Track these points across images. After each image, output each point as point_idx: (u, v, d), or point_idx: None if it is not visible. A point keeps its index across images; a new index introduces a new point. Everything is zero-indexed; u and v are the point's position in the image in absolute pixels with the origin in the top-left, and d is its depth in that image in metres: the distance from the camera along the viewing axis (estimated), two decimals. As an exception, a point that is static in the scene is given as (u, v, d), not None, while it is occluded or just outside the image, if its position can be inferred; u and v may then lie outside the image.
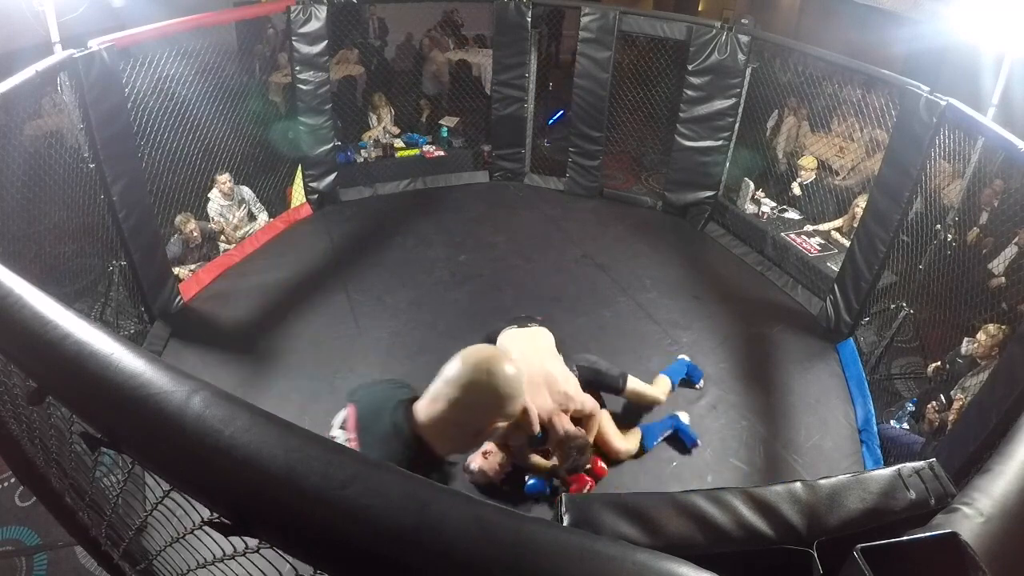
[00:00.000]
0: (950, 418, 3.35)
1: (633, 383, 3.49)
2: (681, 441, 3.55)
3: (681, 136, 5.62)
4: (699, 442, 3.54)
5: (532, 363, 3.06)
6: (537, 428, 2.92)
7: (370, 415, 1.46)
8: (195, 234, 4.69)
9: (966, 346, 3.68)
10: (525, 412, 2.84)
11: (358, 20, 7.21)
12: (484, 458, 3.13)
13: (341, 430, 1.48)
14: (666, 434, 3.54)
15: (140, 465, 0.78)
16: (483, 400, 1.35)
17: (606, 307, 4.70)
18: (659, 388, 3.67)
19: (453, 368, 1.38)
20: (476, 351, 1.41)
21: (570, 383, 3.12)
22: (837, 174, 5.88)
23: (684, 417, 3.65)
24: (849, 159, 5.91)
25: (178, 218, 4.63)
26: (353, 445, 1.39)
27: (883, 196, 4.11)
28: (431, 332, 4.33)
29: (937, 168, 4.04)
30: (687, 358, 4.06)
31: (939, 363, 3.85)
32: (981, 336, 3.49)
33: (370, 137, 6.37)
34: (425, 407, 1.39)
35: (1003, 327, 3.49)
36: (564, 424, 3.01)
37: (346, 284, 4.79)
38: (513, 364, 1.38)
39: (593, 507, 0.85)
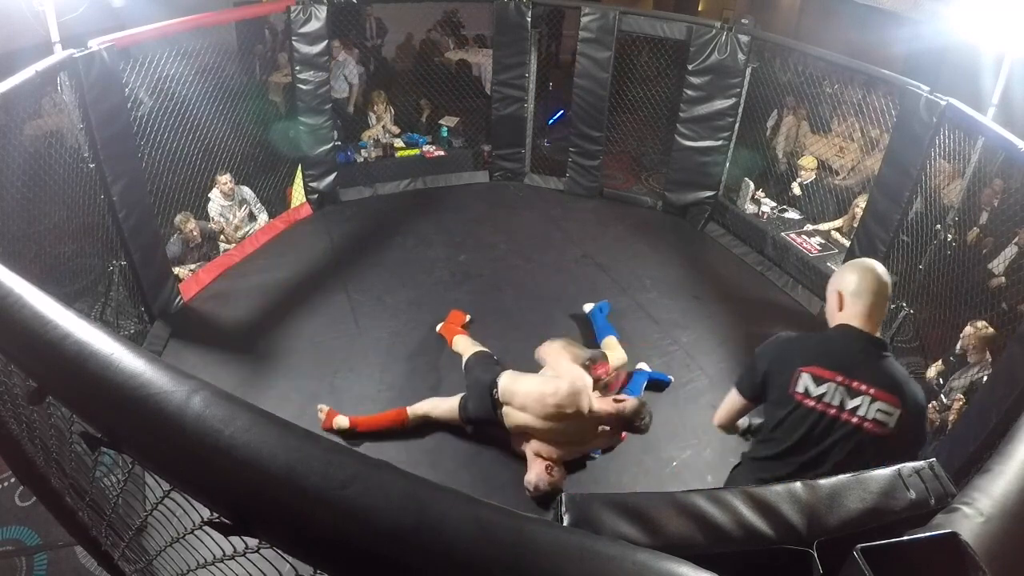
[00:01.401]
0: (950, 418, 3.35)
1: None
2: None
3: (681, 136, 5.62)
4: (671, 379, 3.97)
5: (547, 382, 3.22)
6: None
7: (882, 364, 1.87)
8: (195, 233, 4.68)
9: (960, 343, 3.68)
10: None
11: (355, 20, 7.20)
12: (549, 474, 3.10)
13: (824, 384, 1.86)
14: (643, 385, 3.80)
15: (140, 465, 0.78)
16: (888, 290, 1.92)
17: (606, 307, 4.69)
18: (616, 352, 3.81)
19: (867, 282, 1.88)
20: (864, 265, 1.94)
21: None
22: (837, 174, 5.88)
23: (645, 366, 3.95)
24: (849, 159, 5.92)
25: (178, 217, 4.62)
26: (884, 396, 1.82)
27: (883, 196, 4.11)
28: (431, 332, 4.32)
29: (937, 168, 4.04)
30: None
31: (942, 366, 3.85)
32: (968, 330, 3.49)
33: (369, 136, 6.37)
34: (873, 324, 1.90)
35: (988, 326, 3.50)
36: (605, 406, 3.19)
37: (346, 284, 4.79)
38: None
39: (593, 507, 0.85)
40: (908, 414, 1.81)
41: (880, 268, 1.90)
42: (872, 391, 1.81)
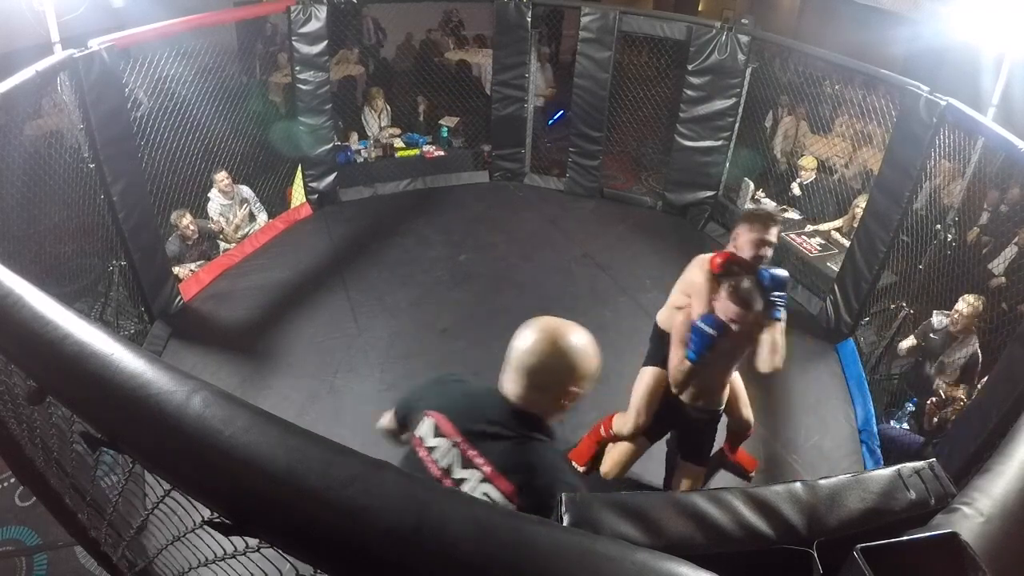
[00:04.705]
0: (951, 416, 3.35)
1: None
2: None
3: (681, 136, 5.62)
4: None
5: None
6: None
7: (520, 446, 1.48)
8: (191, 229, 4.66)
9: (938, 319, 3.67)
10: None
11: (354, 22, 7.21)
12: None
13: (440, 438, 1.53)
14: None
15: (140, 465, 0.78)
16: (561, 365, 1.49)
17: (606, 307, 4.70)
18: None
19: (522, 351, 1.50)
20: (536, 327, 1.54)
21: None
22: (835, 172, 5.89)
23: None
24: (847, 156, 5.94)
25: (173, 215, 4.61)
26: (499, 481, 1.44)
27: (883, 196, 4.11)
28: (431, 332, 4.33)
29: (938, 168, 4.04)
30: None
31: (914, 342, 3.85)
32: (961, 306, 3.49)
33: (355, 137, 6.34)
34: (528, 398, 1.49)
35: (982, 297, 3.51)
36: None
37: (346, 284, 4.79)
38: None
39: (593, 507, 0.85)
40: (524, 508, 1.28)
41: (553, 337, 1.48)
42: (488, 469, 1.44)
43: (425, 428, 1.54)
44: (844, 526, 0.84)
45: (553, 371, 1.46)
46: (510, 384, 1.49)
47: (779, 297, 2.46)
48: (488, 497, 1.40)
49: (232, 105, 5.00)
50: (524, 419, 1.49)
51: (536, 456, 1.46)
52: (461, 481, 1.44)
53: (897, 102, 4.15)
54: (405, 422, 1.69)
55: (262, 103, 5.73)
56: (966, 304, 3.48)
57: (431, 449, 1.51)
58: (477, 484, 1.43)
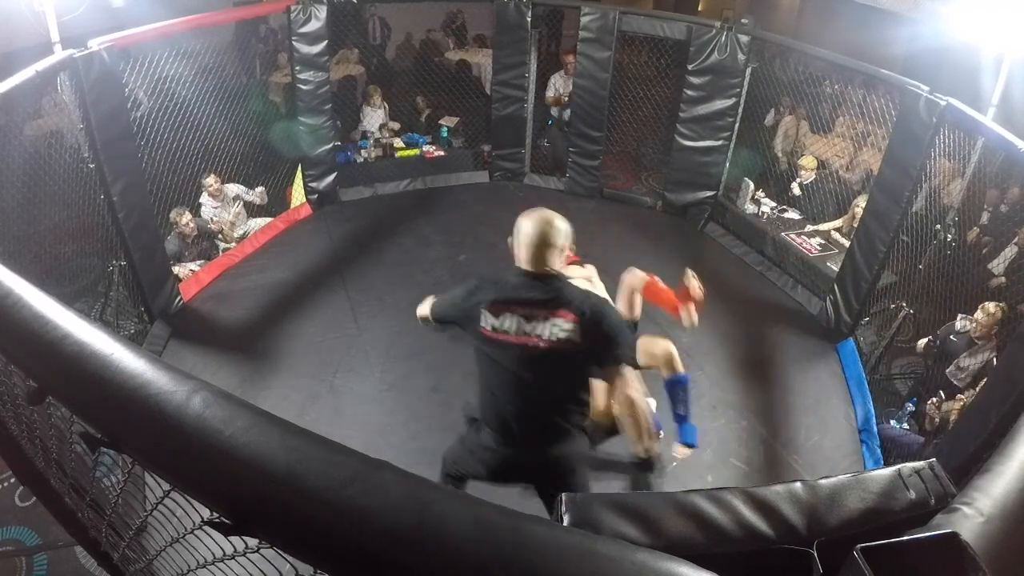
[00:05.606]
0: (951, 416, 3.35)
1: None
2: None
3: (681, 136, 5.62)
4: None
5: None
6: None
7: (551, 290, 2.05)
8: (190, 227, 4.65)
9: (961, 323, 3.67)
10: None
11: (357, 21, 7.20)
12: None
13: (502, 316, 2.06)
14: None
15: (140, 465, 0.78)
16: (548, 236, 2.06)
17: (606, 307, 4.69)
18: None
19: (523, 235, 2.05)
20: (526, 217, 2.07)
21: None
22: (838, 172, 5.88)
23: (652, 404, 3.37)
24: (847, 156, 5.93)
25: (172, 213, 4.60)
26: (560, 314, 2.02)
27: (883, 196, 4.11)
28: (431, 332, 4.29)
29: (938, 167, 4.04)
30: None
31: (929, 339, 3.85)
32: (979, 315, 3.49)
33: (359, 132, 6.33)
34: (538, 263, 2.06)
35: (1001, 305, 3.50)
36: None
37: (346, 284, 4.79)
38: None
39: (593, 507, 0.85)
40: (586, 321, 1.97)
41: (540, 218, 2.02)
42: (546, 313, 1.99)
43: (488, 319, 2.04)
44: (844, 526, 0.84)
45: (554, 236, 2.01)
46: (528, 259, 2.02)
47: None
48: (561, 328, 1.97)
49: (232, 105, 4.99)
50: (548, 276, 2.03)
51: (573, 290, 2.04)
52: (535, 332, 1.99)
53: (897, 102, 4.15)
54: (454, 322, 2.21)
55: (262, 103, 5.72)
56: (983, 312, 3.48)
57: (498, 328, 2.03)
58: (547, 326, 1.98)
